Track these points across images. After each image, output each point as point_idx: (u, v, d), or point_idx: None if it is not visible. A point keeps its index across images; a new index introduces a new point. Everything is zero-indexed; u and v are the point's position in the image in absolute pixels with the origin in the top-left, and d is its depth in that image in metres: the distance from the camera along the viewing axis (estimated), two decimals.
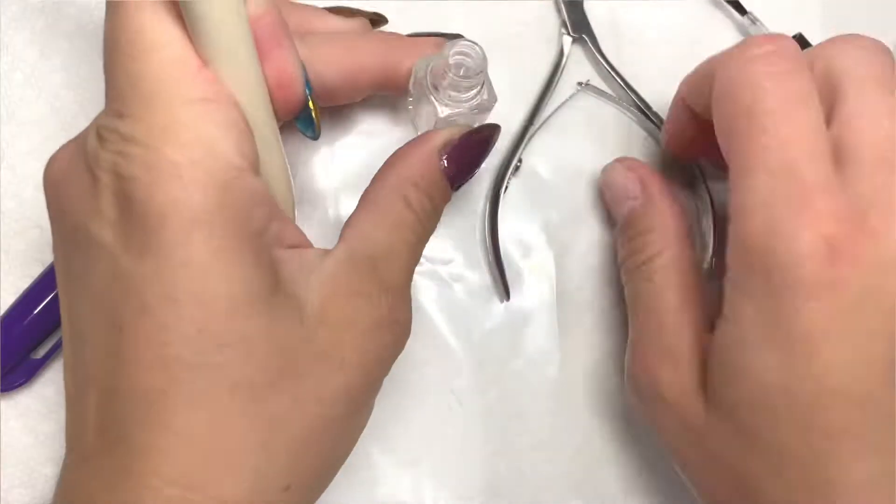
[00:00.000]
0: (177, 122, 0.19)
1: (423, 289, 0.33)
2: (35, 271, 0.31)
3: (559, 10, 0.35)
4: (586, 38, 0.35)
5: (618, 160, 0.32)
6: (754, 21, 0.36)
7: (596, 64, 0.35)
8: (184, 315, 0.18)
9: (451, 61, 0.27)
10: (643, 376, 0.27)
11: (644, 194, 0.30)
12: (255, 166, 0.21)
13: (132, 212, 0.18)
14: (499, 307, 0.33)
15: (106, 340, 0.19)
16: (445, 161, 0.25)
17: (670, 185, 0.31)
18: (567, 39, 0.35)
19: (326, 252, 0.23)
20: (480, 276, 0.34)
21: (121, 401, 0.19)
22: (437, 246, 0.34)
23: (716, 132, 0.25)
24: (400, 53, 0.29)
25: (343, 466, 0.24)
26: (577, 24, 0.35)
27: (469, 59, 0.28)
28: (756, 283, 0.22)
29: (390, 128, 0.34)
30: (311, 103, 0.25)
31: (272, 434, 0.20)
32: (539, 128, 0.34)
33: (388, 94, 0.31)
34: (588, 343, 0.34)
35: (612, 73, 0.35)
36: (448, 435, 0.32)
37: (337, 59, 0.28)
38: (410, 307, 0.24)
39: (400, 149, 0.25)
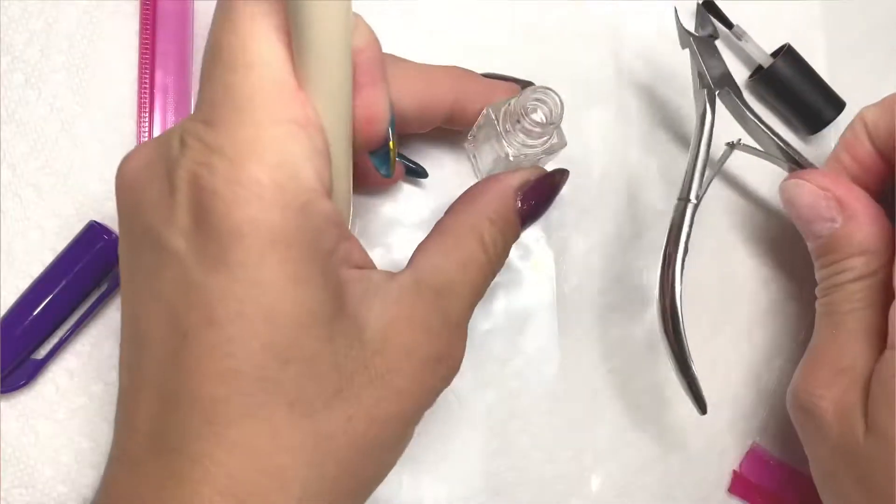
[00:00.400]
0: (265, 139, 0.19)
1: None
2: (35, 271, 0.31)
3: (694, 59, 0.31)
4: (730, 90, 0.31)
5: (804, 175, 0.30)
6: (740, 36, 0.36)
7: (740, 116, 0.32)
8: (250, 330, 0.18)
9: (528, 106, 0.27)
10: (812, 391, 0.27)
11: (844, 215, 0.28)
12: (329, 190, 0.21)
13: (209, 224, 0.18)
14: (499, 307, 0.34)
15: (169, 345, 0.19)
16: (520, 201, 0.25)
17: (869, 197, 0.29)
18: (704, 93, 0.31)
19: (392, 276, 0.22)
20: None
21: (178, 407, 0.19)
22: None
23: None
24: (474, 92, 0.29)
25: None
26: (720, 77, 0.31)
27: (546, 107, 0.28)
28: None
29: (447, 160, 0.34)
30: (391, 143, 0.25)
31: (323, 452, 0.20)
32: (702, 197, 0.30)
33: (452, 127, 0.31)
34: (588, 343, 0.34)
35: (764, 128, 0.32)
36: (448, 434, 0.33)
37: (415, 90, 0.28)
38: (465, 344, 0.24)
39: (477, 184, 0.26)
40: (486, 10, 0.36)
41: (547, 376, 0.33)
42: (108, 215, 0.33)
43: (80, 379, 0.31)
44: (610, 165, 0.35)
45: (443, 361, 0.23)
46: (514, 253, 0.34)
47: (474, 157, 0.34)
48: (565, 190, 0.34)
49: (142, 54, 0.33)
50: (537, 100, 0.28)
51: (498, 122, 0.28)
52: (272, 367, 0.19)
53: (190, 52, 0.34)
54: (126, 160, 0.21)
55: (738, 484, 0.34)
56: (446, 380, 0.24)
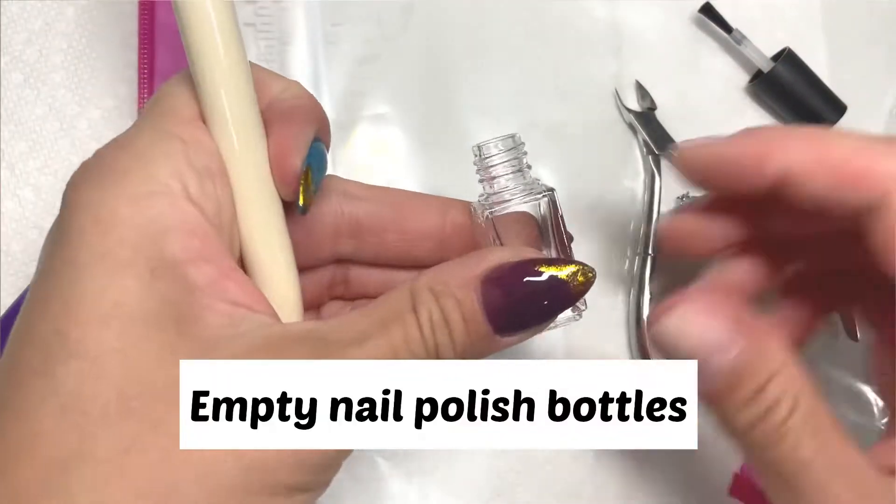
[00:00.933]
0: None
1: None
2: (35, 271, 0.31)
3: (634, 130, 0.35)
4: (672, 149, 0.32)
5: (679, 302, 0.22)
6: (739, 41, 0.36)
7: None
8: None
9: (479, 149, 0.26)
10: None
11: (746, 337, 0.21)
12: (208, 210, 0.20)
13: None
14: None
15: None
16: (481, 293, 0.19)
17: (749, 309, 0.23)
18: (650, 160, 0.35)
19: (279, 323, 0.20)
20: None
21: None
22: None
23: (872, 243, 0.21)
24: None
25: (351, 476, 0.22)
26: (660, 140, 0.35)
27: (492, 148, 0.25)
28: None
29: None
30: (304, 179, 0.22)
31: None
32: (653, 261, 0.33)
33: None
34: (588, 343, 0.34)
35: None
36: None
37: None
38: None
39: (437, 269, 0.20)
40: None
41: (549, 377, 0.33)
42: None
43: None
44: (611, 170, 0.35)
45: None
46: None
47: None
48: (574, 191, 0.34)
49: (140, 54, 0.33)
50: (484, 143, 0.26)
51: (479, 213, 0.26)
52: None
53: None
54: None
55: (739, 486, 0.34)
56: None
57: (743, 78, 0.37)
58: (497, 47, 0.35)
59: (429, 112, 0.35)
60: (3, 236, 0.32)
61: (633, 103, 0.35)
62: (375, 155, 0.34)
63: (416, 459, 0.32)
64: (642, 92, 0.36)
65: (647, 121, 0.35)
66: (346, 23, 0.35)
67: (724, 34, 0.36)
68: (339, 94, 0.34)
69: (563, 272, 0.19)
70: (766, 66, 0.36)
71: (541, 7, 0.36)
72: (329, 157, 0.34)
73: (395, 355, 0.18)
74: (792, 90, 0.35)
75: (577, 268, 0.20)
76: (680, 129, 0.36)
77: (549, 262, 0.19)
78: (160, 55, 0.33)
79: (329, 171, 0.33)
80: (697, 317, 0.21)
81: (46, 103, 0.33)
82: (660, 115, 0.35)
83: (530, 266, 0.19)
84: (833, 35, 0.38)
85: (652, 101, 0.36)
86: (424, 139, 0.34)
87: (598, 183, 0.35)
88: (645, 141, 0.35)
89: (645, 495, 0.33)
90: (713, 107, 0.37)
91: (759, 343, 0.21)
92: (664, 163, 0.34)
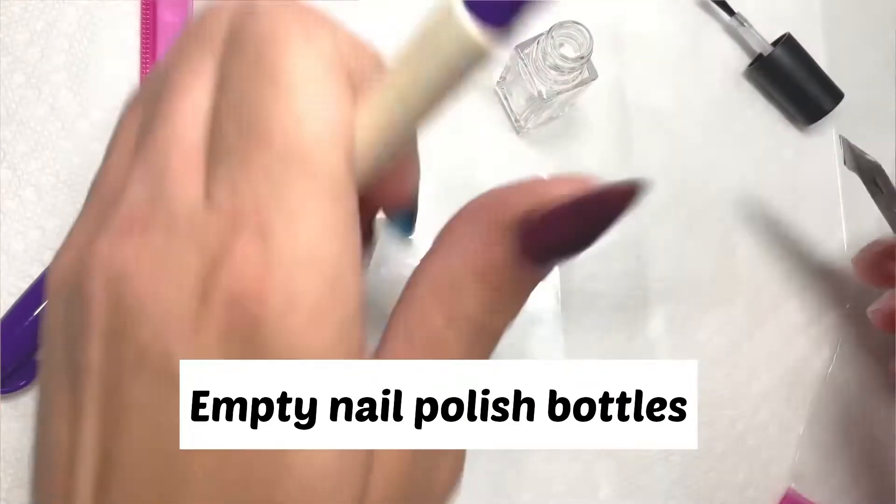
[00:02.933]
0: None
1: None
2: (36, 271, 0.31)
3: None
4: (878, 183, 0.32)
5: None
6: (742, 22, 0.36)
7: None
8: None
9: (558, 41, 0.27)
10: None
11: None
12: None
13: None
14: None
15: None
16: (523, 240, 0.17)
17: None
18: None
19: None
20: None
21: None
22: None
23: None
24: None
25: None
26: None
27: (575, 42, 0.28)
28: None
29: (477, 107, 0.34)
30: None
31: None
32: None
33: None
34: (589, 343, 0.34)
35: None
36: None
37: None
38: None
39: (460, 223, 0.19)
40: None
41: (550, 378, 0.33)
42: None
43: None
44: (611, 169, 0.35)
45: None
46: None
47: (506, 99, 0.34)
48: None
49: (142, 54, 0.33)
50: (566, 35, 0.28)
51: (526, 60, 0.28)
52: None
53: None
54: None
55: None
56: None
57: (743, 62, 0.37)
58: None
59: None
60: (5, 236, 0.32)
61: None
62: None
63: None
64: (855, 152, 0.30)
65: (875, 187, 0.29)
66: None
67: (727, 17, 0.36)
68: None
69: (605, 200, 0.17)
70: (765, 51, 0.36)
71: None
72: None
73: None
74: (790, 75, 0.35)
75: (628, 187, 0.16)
76: (677, 112, 0.36)
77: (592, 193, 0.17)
78: (161, 55, 0.33)
79: None
80: None
81: (48, 104, 0.33)
82: (658, 99, 0.36)
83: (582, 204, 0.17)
84: (831, 25, 0.38)
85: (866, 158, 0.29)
86: (422, 138, 0.34)
87: None
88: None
89: (644, 495, 0.33)
90: (712, 90, 0.37)
91: None
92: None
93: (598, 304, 0.34)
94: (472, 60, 0.16)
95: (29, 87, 0.33)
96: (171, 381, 0.16)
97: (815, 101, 0.36)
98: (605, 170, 0.35)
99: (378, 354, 0.19)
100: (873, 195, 0.28)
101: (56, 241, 0.32)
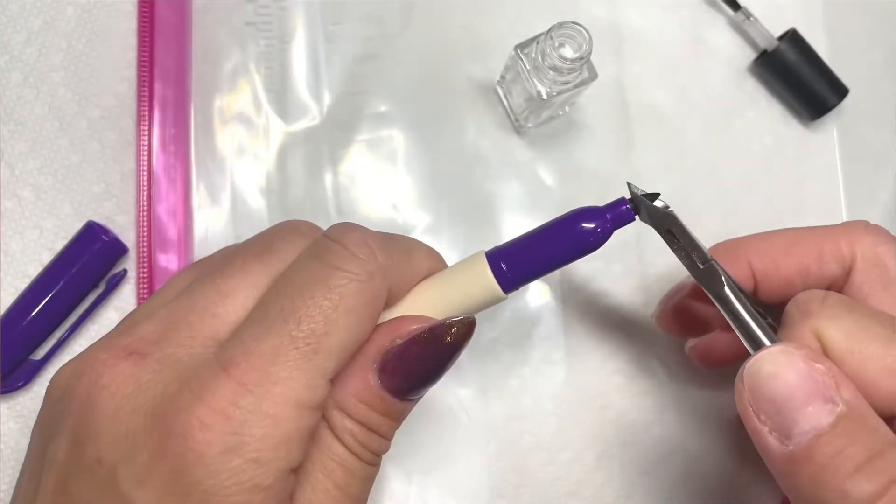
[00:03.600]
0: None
1: None
2: (34, 271, 0.31)
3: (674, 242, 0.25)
4: (674, 232, 0.25)
5: (784, 346, 0.20)
6: (748, 16, 0.36)
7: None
8: None
9: (557, 42, 0.27)
10: None
11: (847, 395, 0.19)
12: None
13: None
14: (504, 315, 0.33)
15: None
16: (379, 376, 0.21)
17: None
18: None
19: None
20: None
21: None
22: (444, 254, 0.34)
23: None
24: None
25: None
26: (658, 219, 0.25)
27: (575, 42, 0.28)
28: None
29: (477, 111, 0.35)
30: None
31: None
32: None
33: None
34: (590, 346, 0.34)
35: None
36: (452, 437, 0.32)
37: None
38: None
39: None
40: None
41: (549, 380, 0.33)
42: (106, 216, 0.32)
43: None
44: (611, 170, 0.35)
45: None
46: None
47: (506, 98, 0.34)
48: (574, 193, 0.34)
49: (140, 53, 0.33)
50: (565, 35, 0.28)
51: (525, 61, 0.28)
52: None
53: (189, 50, 0.34)
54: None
55: None
56: None
57: (748, 57, 0.37)
58: (497, 46, 0.35)
59: (428, 111, 0.35)
60: (3, 236, 0.32)
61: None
62: (375, 153, 0.34)
63: (416, 459, 0.32)
64: (646, 204, 0.25)
65: (671, 236, 0.25)
66: (346, 22, 0.35)
67: (731, 12, 0.36)
68: (339, 92, 0.34)
69: (448, 332, 0.22)
70: (770, 46, 0.36)
71: (542, 4, 0.36)
72: (329, 157, 0.34)
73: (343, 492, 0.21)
74: (795, 70, 0.35)
75: (454, 321, 0.22)
76: (678, 110, 0.36)
77: (427, 328, 0.22)
78: (159, 54, 0.33)
79: (328, 171, 0.34)
80: (803, 362, 0.20)
81: (46, 103, 0.33)
82: (659, 98, 0.35)
83: (420, 341, 0.22)
84: (834, 21, 0.37)
85: (666, 215, 0.24)
86: (424, 138, 0.34)
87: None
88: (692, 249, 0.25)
89: (645, 495, 0.33)
90: (714, 87, 0.37)
91: (864, 407, 0.19)
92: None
93: (599, 304, 0.34)
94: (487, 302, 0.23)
95: (27, 87, 0.33)
96: (115, 496, 0.18)
97: (821, 96, 0.36)
98: (604, 169, 0.35)
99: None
100: (670, 245, 0.25)
101: (54, 242, 0.32)
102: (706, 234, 0.35)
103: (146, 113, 0.32)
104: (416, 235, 0.34)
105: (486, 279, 0.23)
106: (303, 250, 0.22)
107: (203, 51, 0.34)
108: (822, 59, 0.36)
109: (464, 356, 0.33)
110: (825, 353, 0.21)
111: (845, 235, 0.26)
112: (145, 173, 0.32)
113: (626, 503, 0.33)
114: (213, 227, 0.33)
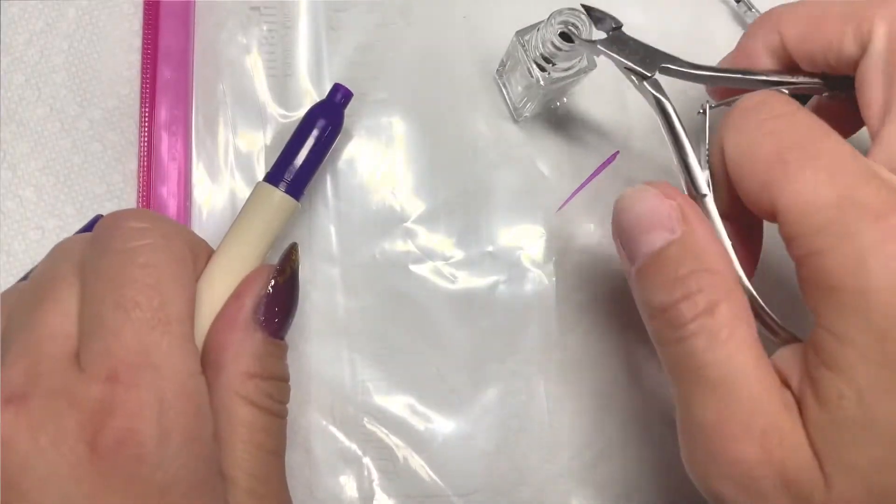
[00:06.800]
0: None
1: (424, 285, 0.33)
2: None
3: (614, 60, 0.27)
4: (666, 62, 0.27)
5: (647, 184, 0.24)
6: (750, 7, 0.36)
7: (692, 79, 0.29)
8: None
9: (557, 29, 0.27)
10: (732, 468, 0.21)
11: (686, 226, 0.23)
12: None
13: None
14: (499, 305, 0.33)
15: None
16: (263, 323, 0.24)
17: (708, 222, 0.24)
18: (645, 85, 0.27)
19: None
20: (480, 272, 0.33)
21: None
22: (438, 242, 0.34)
23: (746, 194, 0.23)
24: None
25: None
26: (647, 59, 0.27)
27: (574, 29, 0.28)
28: (855, 326, 0.19)
29: (475, 99, 0.35)
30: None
31: None
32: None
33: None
34: (587, 341, 0.33)
35: (720, 73, 0.29)
36: (448, 432, 0.32)
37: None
38: None
39: (211, 330, 0.24)
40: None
41: (546, 375, 0.33)
42: None
43: None
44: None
45: None
46: (514, 253, 0.34)
47: (505, 86, 0.34)
48: (572, 189, 0.34)
49: (144, 51, 0.33)
50: (565, 21, 0.27)
51: (525, 49, 0.28)
52: None
53: (191, 49, 0.34)
54: None
55: None
56: None
57: None
58: (498, 35, 0.35)
59: (429, 97, 0.35)
60: (5, 237, 0.32)
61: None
62: (376, 140, 0.34)
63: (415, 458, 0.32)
64: (596, 15, 0.27)
65: (620, 44, 0.27)
66: (350, 9, 0.35)
67: (733, 3, 0.36)
68: (340, 78, 0.34)
69: (287, 268, 0.26)
70: None
71: None
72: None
73: (272, 454, 0.24)
74: None
75: (287, 251, 0.26)
76: (680, 100, 0.35)
77: (278, 268, 0.26)
78: (161, 56, 0.33)
79: (330, 157, 0.34)
80: (653, 196, 0.23)
81: (48, 104, 0.33)
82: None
83: (278, 282, 0.25)
84: None
85: (613, 19, 0.27)
86: (424, 125, 0.34)
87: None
88: (629, 68, 0.27)
89: (645, 493, 0.32)
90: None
91: (698, 239, 0.22)
92: (665, 80, 0.27)
93: (598, 303, 0.34)
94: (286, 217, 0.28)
95: (29, 88, 0.33)
96: None
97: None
98: (602, 159, 0.35)
99: None
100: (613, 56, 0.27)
101: (56, 242, 0.32)
102: None
103: (147, 112, 0.32)
104: (413, 222, 0.34)
105: (274, 197, 0.27)
106: (91, 254, 0.22)
107: (207, 33, 0.34)
108: None
109: (461, 350, 0.32)
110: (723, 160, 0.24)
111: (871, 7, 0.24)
112: (146, 155, 0.32)
113: (627, 503, 0.32)
114: (213, 209, 0.33)
